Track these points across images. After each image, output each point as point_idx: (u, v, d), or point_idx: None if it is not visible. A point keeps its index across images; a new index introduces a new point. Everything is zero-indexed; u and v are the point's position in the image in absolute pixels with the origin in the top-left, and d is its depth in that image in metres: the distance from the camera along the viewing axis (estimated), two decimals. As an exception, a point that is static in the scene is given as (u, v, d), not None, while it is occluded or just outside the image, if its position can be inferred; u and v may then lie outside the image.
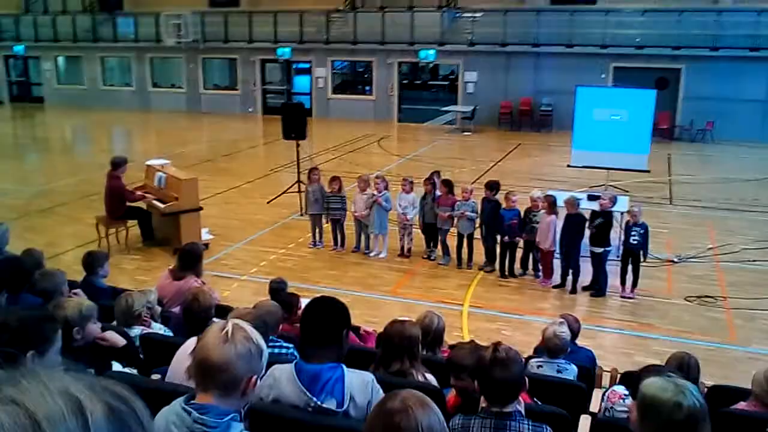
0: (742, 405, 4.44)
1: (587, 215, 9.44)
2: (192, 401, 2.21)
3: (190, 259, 6.56)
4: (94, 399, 0.88)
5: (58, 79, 31.95)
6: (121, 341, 4.26)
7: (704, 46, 21.46)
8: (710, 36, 21.47)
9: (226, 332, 2.19)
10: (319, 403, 2.81)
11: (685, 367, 4.52)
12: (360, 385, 2.91)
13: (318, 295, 3.37)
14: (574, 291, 9.47)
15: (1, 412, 0.81)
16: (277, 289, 6.61)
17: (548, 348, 5.01)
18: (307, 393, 2.82)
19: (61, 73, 32.12)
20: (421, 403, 1.94)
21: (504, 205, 9.87)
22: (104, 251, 7.55)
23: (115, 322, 4.85)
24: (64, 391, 0.87)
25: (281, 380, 2.92)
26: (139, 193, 11.21)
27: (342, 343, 3.01)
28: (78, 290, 5.61)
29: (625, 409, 3.92)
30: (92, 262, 6.42)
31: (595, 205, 9.61)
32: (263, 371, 2.34)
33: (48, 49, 30.99)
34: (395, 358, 3.96)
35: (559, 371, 4.86)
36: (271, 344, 4.29)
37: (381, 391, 2.92)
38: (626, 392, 4.20)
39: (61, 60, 31.98)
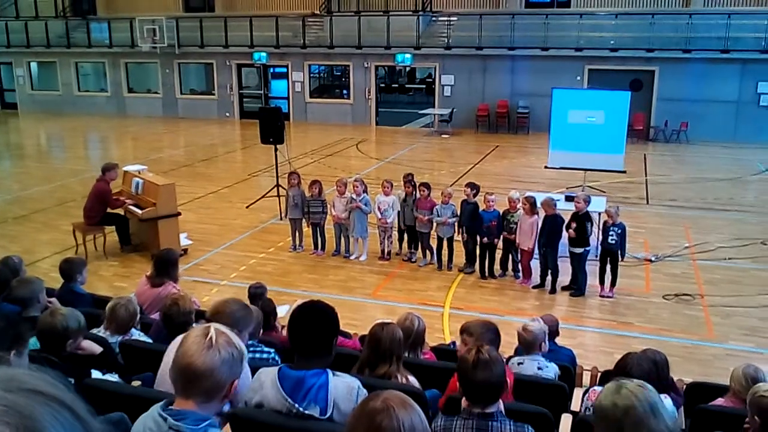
0: (720, 401, 4.51)
1: (565, 216, 9.51)
2: (169, 407, 2.19)
3: (165, 266, 6.52)
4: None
5: (31, 85, 31.54)
6: (97, 349, 4.23)
7: (677, 48, 21.79)
8: (683, 38, 21.81)
9: (210, 338, 2.16)
10: (301, 409, 2.79)
11: (659, 365, 4.60)
12: (345, 391, 2.86)
13: (299, 299, 3.32)
14: (553, 291, 9.53)
15: (49, 413, 0.88)
16: (255, 295, 6.58)
17: (521, 344, 5.09)
18: (289, 399, 2.79)
19: (34, 79, 31.71)
20: (403, 404, 1.93)
21: (483, 207, 9.91)
22: (81, 258, 7.44)
23: (102, 329, 4.80)
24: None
25: (266, 385, 2.88)
26: (121, 199, 11.13)
27: (332, 350, 2.98)
28: (53, 299, 5.54)
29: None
30: (70, 269, 6.33)
31: (572, 206, 9.67)
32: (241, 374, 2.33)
33: (20, 54, 30.59)
34: (383, 360, 3.96)
35: (539, 368, 4.90)
36: (252, 349, 4.28)
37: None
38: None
39: (34, 66, 31.55)
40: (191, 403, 2.16)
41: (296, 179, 11.10)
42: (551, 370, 4.94)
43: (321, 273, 10.36)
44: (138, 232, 11.16)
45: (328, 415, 2.78)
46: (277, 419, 2.83)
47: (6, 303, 4.94)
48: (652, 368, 4.11)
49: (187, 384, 2.16)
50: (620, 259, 9.32)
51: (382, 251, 10.81)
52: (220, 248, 11.46)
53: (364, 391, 2.89)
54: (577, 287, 9.41)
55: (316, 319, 2.97)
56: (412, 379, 4.04)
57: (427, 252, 10.57)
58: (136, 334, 4.93)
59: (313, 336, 2.91)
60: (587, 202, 9.47)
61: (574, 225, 9.20)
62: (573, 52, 22.78)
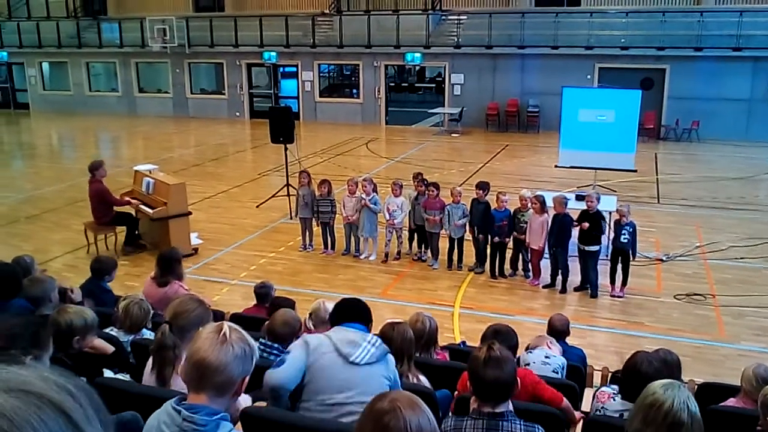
0: (731, 402, 4.48)
1: (574, 215, 9.47)
2: (183, 402, 2.25)
3: (169, 264, 6.53)
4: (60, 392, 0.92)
5: (43, 85, 31.72)
6: (110, 348, 4.25)
7: (688, 46, 21.65)
8: (694, 36, 21.66)
9: (224, 334, 2.22)
10: (357, 361, 3.26)
11: (670, 365, 4.60)
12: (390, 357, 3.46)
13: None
14: (563, 291, 9.50)
15: (35, 416, 0.86)
16: (261, 294, 6.59)
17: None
18: (347, 347, 3.30)
19: (46, 79, 31.88)
20: (411, 404, 1.94)
21: (494, 206, 9.88)
22: (114, 258, 7.33)
23: (113, 328, 4.82)
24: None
25: (321, 345, 3.34)
26: (126, 198, 11.16)
27: (370, 326, 3.59)
28: (75, 287, 5.60)
29: (617, 408, 3.94)
30: (100, 268, 6.45)
31: (582, 205, 9.62)
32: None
33: (32, 55, 30.76)
34: (396, 360, 3.97)
35: (546, 357, 4.95)
36: (276, 351, 4.37)
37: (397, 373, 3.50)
38: (614, 391, 4.22)
39: (45, 66, 31.73)
40: (203, 398, 2.22)
41: (306, 178, 11.12)
42: (558, 360, 5.00)
43: (331, 272, 10.37)
44: (149, 231, 11.21)
45: (383, 361, 3.34)
46: (287, 416, 2.85)
47: (17, 299, 4.97)
48: (662, 367, 4.09)
49: (200, 379, 2.22)
50: (631, 258, 9.28)
51: (388, 252, 10.78)
52: (230, 248, 11.50)
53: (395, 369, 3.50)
54: (588, 286, 9.37)
55: (356, 302, 3.83)
56: (423, 379, 4.05)
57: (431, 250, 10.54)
58: (147, 334, 4.95)
59: (354, 306, 3.71)
60: (598, 200, 9.44)
61: (586, 225, 9.15)
62: (583, 50, 22.68)
